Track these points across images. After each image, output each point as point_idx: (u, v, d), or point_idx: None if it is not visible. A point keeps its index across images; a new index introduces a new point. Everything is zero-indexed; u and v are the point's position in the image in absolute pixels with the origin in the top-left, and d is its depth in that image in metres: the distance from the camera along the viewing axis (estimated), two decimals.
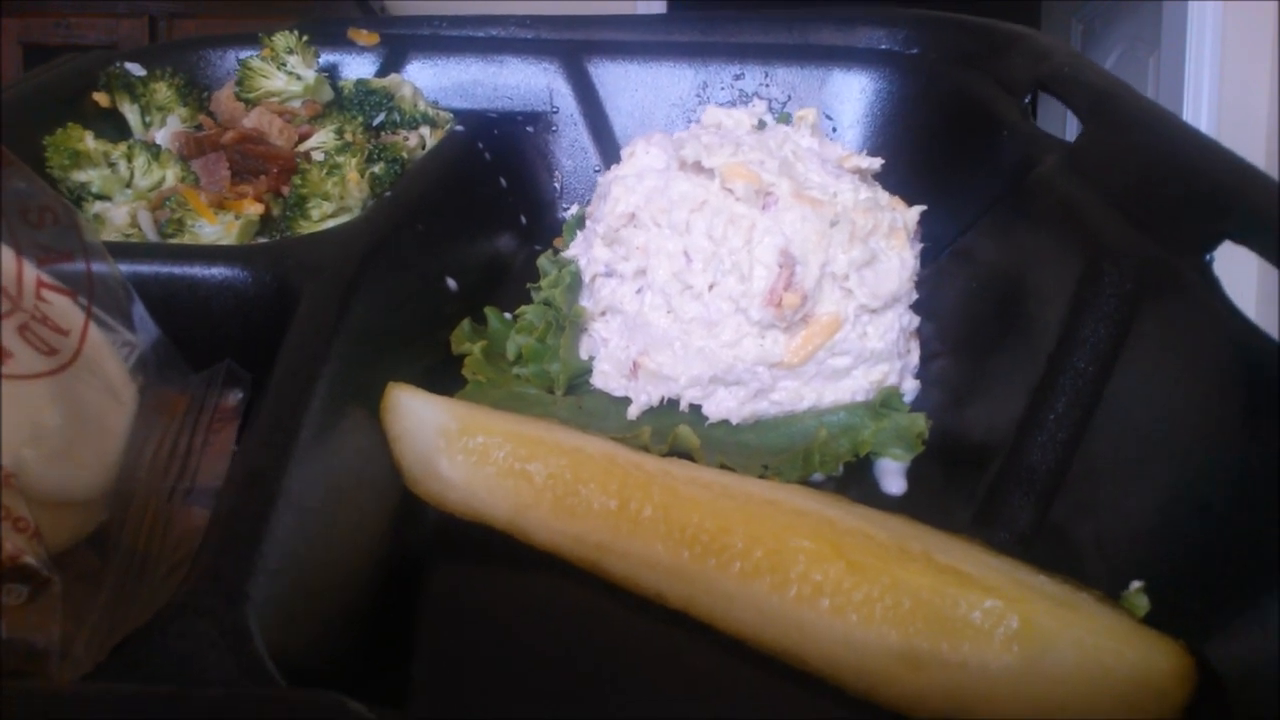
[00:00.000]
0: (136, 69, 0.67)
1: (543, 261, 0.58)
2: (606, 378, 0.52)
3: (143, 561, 0.33)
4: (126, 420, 0.36)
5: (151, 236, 0.54)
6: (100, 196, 0.57)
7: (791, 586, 0.36)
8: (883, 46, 0.76)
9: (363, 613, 0.37)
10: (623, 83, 0.75)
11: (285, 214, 0.57)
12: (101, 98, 0.66)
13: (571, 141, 0.76)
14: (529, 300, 0.56)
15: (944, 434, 0.49)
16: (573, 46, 0.76)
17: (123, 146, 0.58)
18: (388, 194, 0.57)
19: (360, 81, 0.69)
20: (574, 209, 0.69)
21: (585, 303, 0.54)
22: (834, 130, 0.74)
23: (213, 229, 0.54)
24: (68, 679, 0.28)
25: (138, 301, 0.40)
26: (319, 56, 0.70)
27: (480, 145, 0.70)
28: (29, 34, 1.78)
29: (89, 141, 0.58)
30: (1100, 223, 0.46)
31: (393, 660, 0.36)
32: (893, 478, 0.46)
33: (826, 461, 0.46)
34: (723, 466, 0.44)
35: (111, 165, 0.57)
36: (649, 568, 0.38)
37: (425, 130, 0.68)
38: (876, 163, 0.55)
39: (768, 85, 0.75)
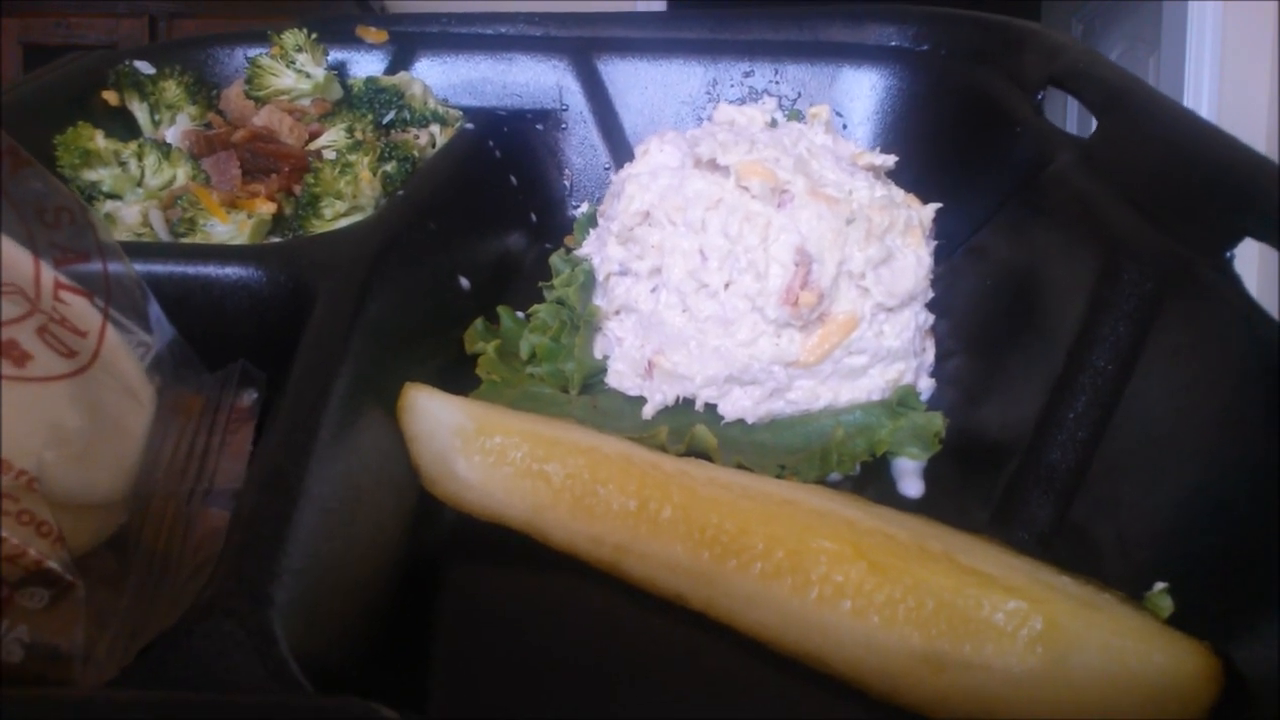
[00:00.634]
0: (145, 67, 0.67)
1: (555, 260, 0.57)
2: (621, 377, 0.52)
3: (163, 564, 0.32)
4: (145, 421, 0.36)
5: (163, 236, 0.54)
6: (111, 195, 0.57)
7: (813, 588, 0.35)
8: (893, 43, 0.75)
9: (381, 613, 0.37)
10: (632, 80, 0.75)
11: (298, 213, 0.57)
12: (111, 96, 0.66)
13: (581, 139, 0.75)
14: (540, 299, 0.56)
15: (961, 433, 0.48)
16: (582, 44, 0.76)
17: (133, 145, 0.58)
18: (400, 192, 0.57)
19: (370, 79, 0.68)
20: (584, 207, 0.69)
21: (599, 301, 0.54)
22: (845, 127, 0.73)
23: (225, 228, 0.53)
24: (91, 683, 0.28)
25: (153, 301, 0.40)
26: (328, 54, 0.69)
27: (490, 143, 0.70)
28: (29, 34, 1.78)
29: (99, 140, 0.57)
30: (1117, 220, 0.46)
31: (411, 661, 0.36)
32: (911, 480, 0.46)
33: (844, 461, 0.46)
34: (739, 466, 0.44)
35: (122, 164, 0.57)
36: (669, 569, 0.38)
37: (435, 128, 0.68)
38: (890, 160, 0.55)
39: (778, 82, 0.75)
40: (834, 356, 0.48)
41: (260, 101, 0.66)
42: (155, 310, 0.40)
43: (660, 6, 2.44)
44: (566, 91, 0.75)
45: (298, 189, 0.58)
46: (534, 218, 0.72)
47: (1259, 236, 0.38)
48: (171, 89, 0.66)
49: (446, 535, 0.42)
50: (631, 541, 0.38)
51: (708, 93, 0.75)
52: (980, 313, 0.55)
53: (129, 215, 0.55)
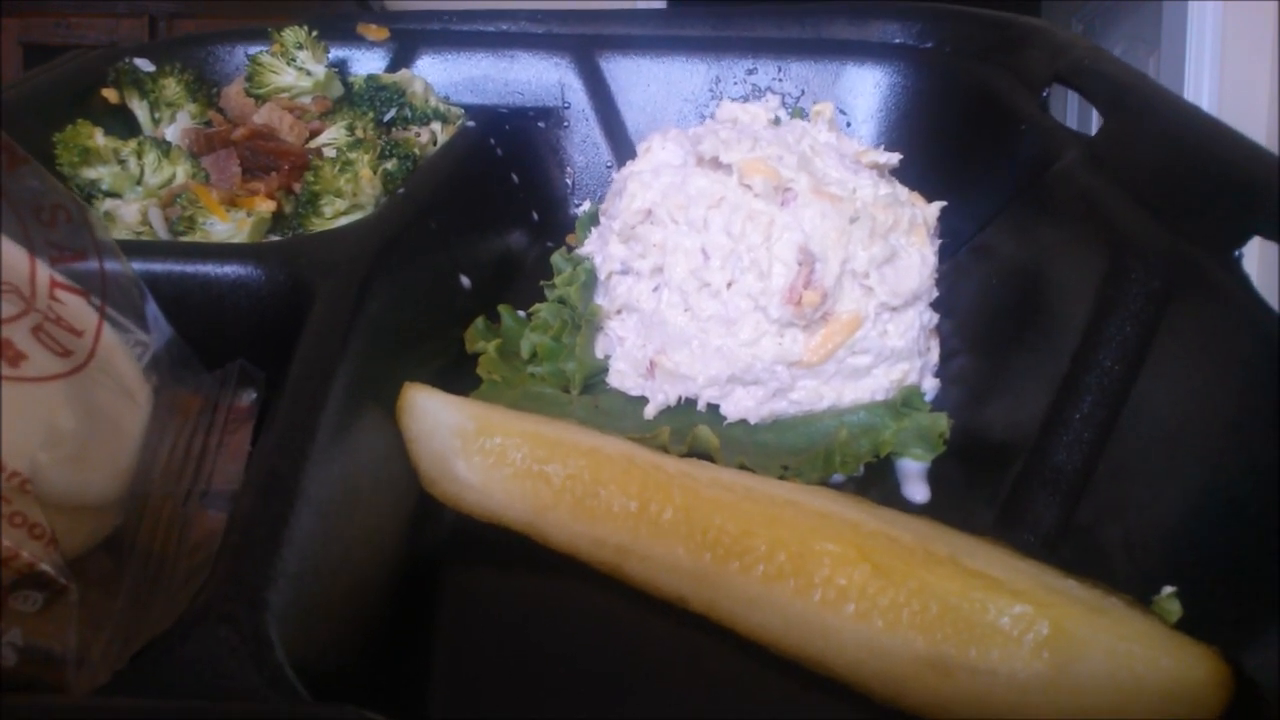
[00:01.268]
0: (145, 65, 0.67)
1: (556, 259, 0.57)
2: (623, 377, 0.52)
3: (159, 566, 0.32)
4: (141, 422, 0.35)
5: (163, 234, 0.54)
6: (110, 194, 0.56)
7: (816, 591, 0.35)
8: (897, 40, 0.75)
9: (380, 616, 0.37)
10: (635, 78, 0.75)
11: (298, 211, 0.57)
12: (110, 94, 0.65)
13: (583, 137, 0.75)
14: (542, 298, 0.55)
15: (965, 433, 0.48)
16: (584, 41, 0.75)
17: (132, 143, 0.57)
18: (400, 190, 0.57)
19: (371, 77, 0.68)
20: (586, 205, 0.69)
21: (601, 301, 0.54)
22: (848, 125, 0.73)
23: (225, 226, 0.53)
24: (84, 687, 0.27)
25: (151, 300, 0.40)
26: (328, 52, 0.69)
27: (492, 141, 0.69)
28: (29, 34, 1.78)
29: (98, 138, 0.57)
30: (1124, 218, 0.45)
31: (409, 664, 0.36)
32: (916, 485, 0.46)
33: (847, 462, 0.46)
34: (742, 467, 0.44)
35: (121, 162, 0.57)
36: (670, 571, 0.37)
37: (436, 126, 0.67)
38: (895, 158, 0.54)
39: (781, 80, 0.75)
40: (837, 356, 0.48)
41: (260, 99, 0.65)
42: (153, 309, 0.40)
43: (662, 4, 2.44)
44: (568, 89, 0.75)
45: (298, 187, 0.57)
46: (536, 216, 0.71)
47: (1268, 235, 0.37)
48: (171, 87, 0.66)
49: (446, 537, 0.42)
50: (633, 543, 0.38)
51: (710, 90, 0.75)
52: (985, 312, 0.54)
53: (128, 213, 0.54)
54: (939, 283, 0.52)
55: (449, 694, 0.35)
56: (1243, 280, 0.38)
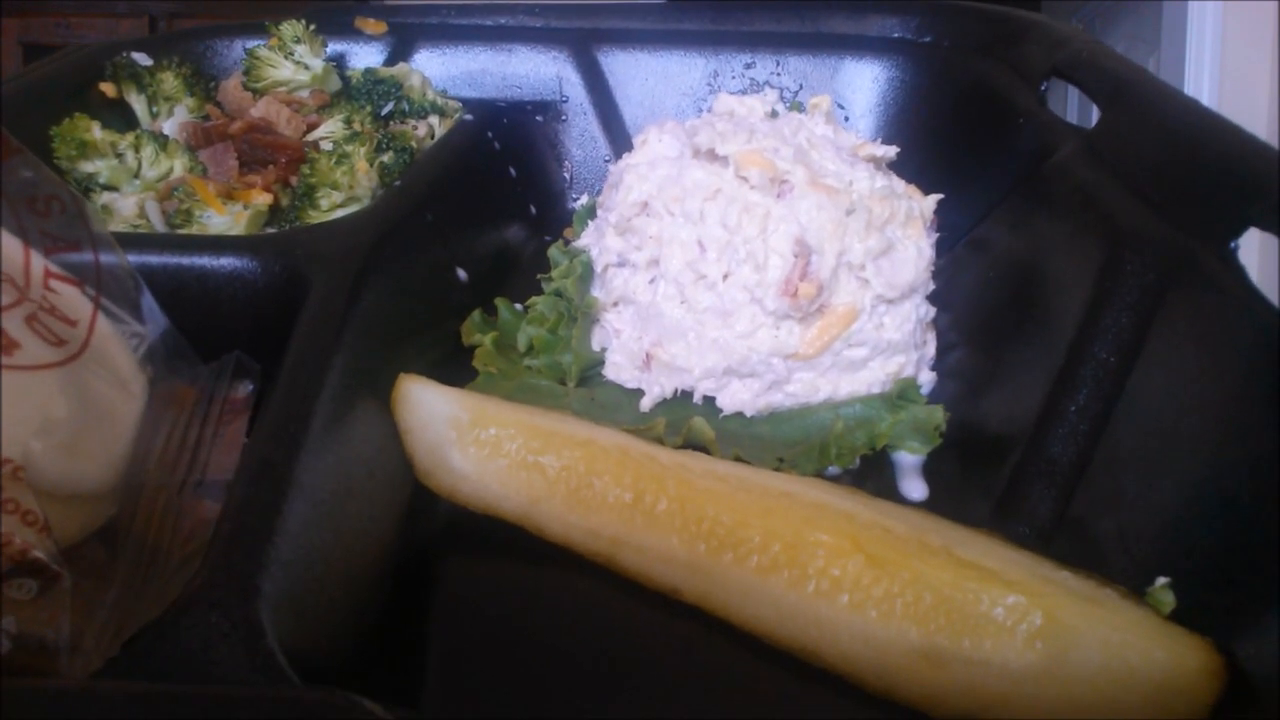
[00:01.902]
0: (143, 59, 0.67)
1: (553, 252, 0.57)
2: (619, 369, 0.52)
3: (153, 555, 0.32)
4: (136, 412, 0.35)
5: (159, 227, 0.54)
6: (108, 187, 0.56)
7: (810, 582, 0.35)
8: (895, 34, 0.75)
9: (373, 606, 0.37)
10: (633, 72, 0.75)
11: (294, 204, 0.57)
12: (108, 88, 0.65)
13: (581, 131, 0.75)
14: (539, 291, 0.55)
15: (961, 426, 0.48)
16: (582, 35, 0.75)
17: (130, 137, 0.57)
18: (397, 183, 0.57)
19: (368, 71, 0.68)
20: (584, 199, 0.69)
21: (597, 293, 0.54)
22: (846, 119, 0.73)
23: (221, 219, 0.53)
24: (77, 674, 0.27)
25: (146, 292, 0.40)
26: (326, 46, 0.69)
27: (489, 135, 0.69)
28: (29, 34, 1.78)
29: (96, 132, 0.57)
30: (1121, 210, 0.45)
31: (403, 654, 0.36)
32: (913, 482, 0.45)
33: (843, 454, 0.46)
34: (738, 459, 0.44)
35: (119, 156, 0.57)
36: (664, 562, 0.37)
37: (434, 119, 0.67)
38: (892, 151, 0.54)
39: (779, 74, 0.74)
40: (833, 349, 0.48)
41: (258, 93, 0.65)
42: (148, 301, 0.40)
43: None
44: (566, 83, 0.75)
45: (294, 180, 0.57)
46: (533, 210, 0.71)
47: (1264, 226, 0.37)
48: (169, 81, 0.66)
49: (440, 528, 0.42)
50: (627, 534, 0.38)
51: (709, 85, 0.75)
52: (982, 305, 0.54)
53: (125, 207, 0.54)
54: (936, 276, 0.52)
55: (443, 683, 0.35)
56: (1239, 272, 0.38)
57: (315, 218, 0.56)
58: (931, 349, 0.53)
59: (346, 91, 0.67)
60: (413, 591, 0.39)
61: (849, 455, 0.46)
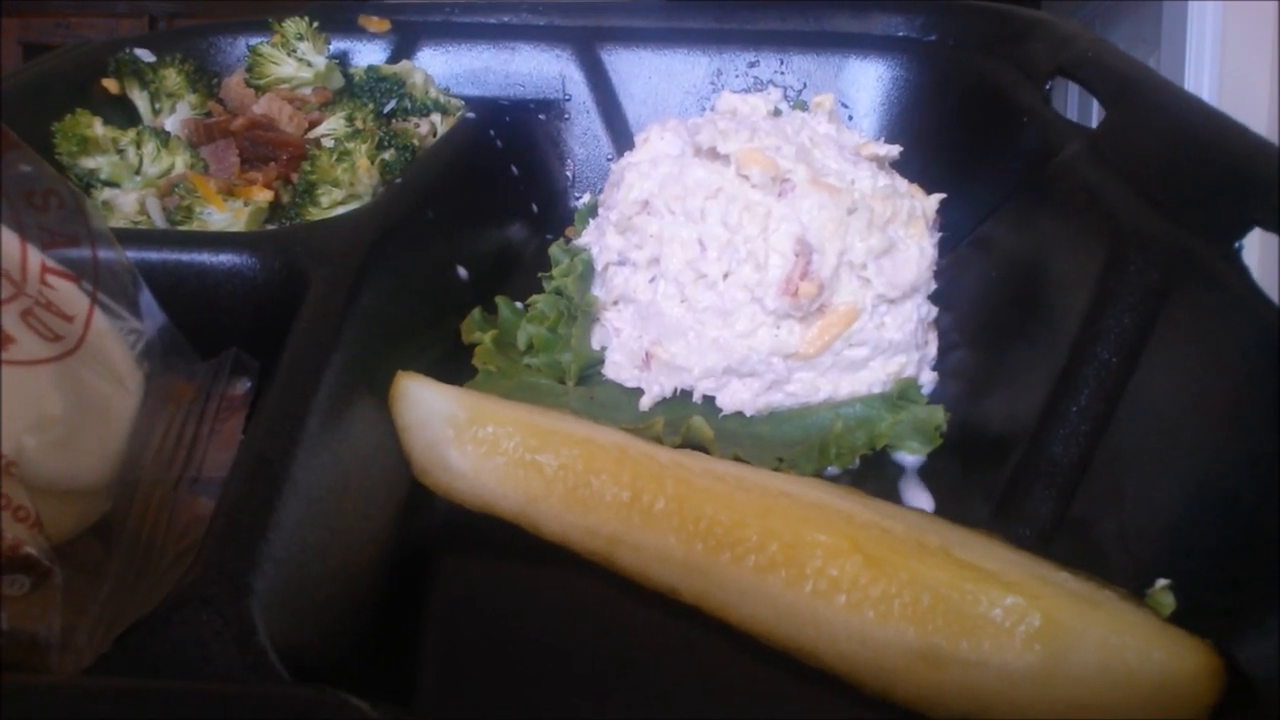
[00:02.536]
0: (146, 55, 0.67)
1: (554, 250, 0.57)
2: (619, 368, 0.51)
3: (146, 552, 0.32)
4: (132, 408, 0.35)
5: (160, 223, 0.54)
6: (109, 183, 0.56)
7: (807, 582, 0.35)
8: (900, 33, 0.74)
9: (369, 604, 0.36)
10: (636, 70, 0.74)
11: (295, 201, 0.56)
12: (111, 84, 0.65)
13: (584, 129, 0.75)
14: (540, 289, 0.55)
15: (962, 427, 0.48)
16: (585, 33, 0.75)
17: (132, 133, 0.57)
18: (398, 181, 0.57)
19: (371, 68, 0.68)
20: (586, 198, 0.69)
21: (597, 292, 0.53)
22: (850, 118, 0.73)
23: (222, 216, 0.53)
24: (69, 670, 0.27)
25: (144, 288, 0.40)
26: (329, 43, 0.69)
27: (492, 133, 0.69)
28: (29, 34, 1.78)
29: (97, 128, 0.57)
30: (1125, 210, 0.45)
31: (399, 653, 0.36)
32: (918, 493, 0.45)
33: (843, 454, 0.45)
34: (737, 459, 0.44)
35: (120, 152, 0.57)
36: (662, 561, 0.37)
37: (436, 117, 0.67)
38: (894, 150, 0.54)
39: (783, 72, 0.74)
40: (834, 348, 0.48)
41: (261, 90, 0.65)
42: (146, 297, 0.40)
43: None
44: (569, 81, 0.74)
45: (295, 177, 0.57)
46: (535, 208, 0.71)
47: (1268, 226, 0.37)
48: (172, 77, 0.66)
49: (437, 526, 0.42)
50: (625, 533, 0.38)
51: (712, 83, 0.74)
52: (984, 305, 0.54)
53: (126, 203, 0.54)
54: (940, 276, 0.52)
55: (438, 681, 0.35)
56: (1242, 271, 0.37)
57: (316, 215, 0.56)
58: (933, 349, 0.52)
59: (349, 89, 0.67)
60: (408, 589, 0.38)
61: (849, 455, 0.46)
